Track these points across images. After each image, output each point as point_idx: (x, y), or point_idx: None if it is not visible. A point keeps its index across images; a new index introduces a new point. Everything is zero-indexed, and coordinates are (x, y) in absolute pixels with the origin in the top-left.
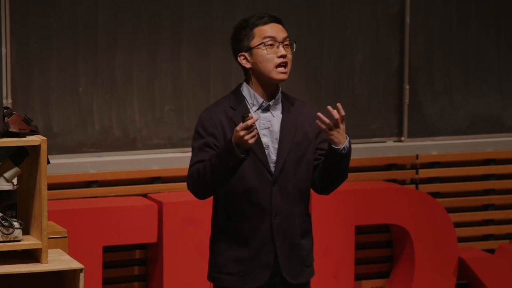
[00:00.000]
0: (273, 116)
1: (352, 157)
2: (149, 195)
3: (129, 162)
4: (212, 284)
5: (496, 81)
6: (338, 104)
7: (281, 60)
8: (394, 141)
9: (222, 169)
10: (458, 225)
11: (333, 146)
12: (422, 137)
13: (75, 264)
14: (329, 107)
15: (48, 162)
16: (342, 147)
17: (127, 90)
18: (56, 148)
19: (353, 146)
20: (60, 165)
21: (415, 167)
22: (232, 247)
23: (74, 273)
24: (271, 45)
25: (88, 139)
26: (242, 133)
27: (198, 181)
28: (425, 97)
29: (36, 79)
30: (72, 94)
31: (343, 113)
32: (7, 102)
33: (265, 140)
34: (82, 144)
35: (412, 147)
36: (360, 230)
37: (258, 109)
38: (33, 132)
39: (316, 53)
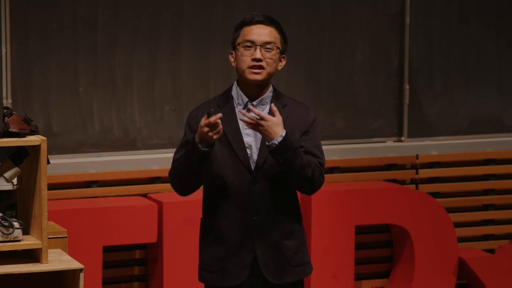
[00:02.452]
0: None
1: (352, 157)
2: (149, 195)
3: (129, 162)
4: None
5: (496, 81)
6: (249, 107)
7: (253, 63)
8: (394, 141)
9: (188, 163)
10: (458, 225)
11: (266, 142)
12: (422, 137)
13: (75, 264)
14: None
15: (48, 162)
16: (270, 142)
17: (127, 90)
18: (56, 148)
19: (353, 146)
20: (60, 165)
21: (415, 167)
22: (213, 245)
23: (74, 273)
24: (248, 47)
25: (88, 139)
26: (205, 129)
27: (174, 177)
28: (425, 97)
29: (36, 79)
30: (72, 94)
31: (252, 115)
32: (7, 102)
33: (248, 139)
34: (82, 144)
35: (412, 147)
36: (360, 230)
37: (243, 109)
38: (33, 132)
39: (316, 53)
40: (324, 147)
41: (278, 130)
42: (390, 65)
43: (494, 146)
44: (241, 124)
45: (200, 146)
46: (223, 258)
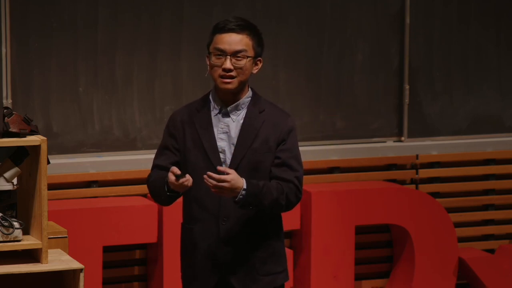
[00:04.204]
0: (233, 121)
1: (352, 157)
2: (149, 195)
3: (129, 162)
4: None
5: (496, 81)
6: (208, 174)
7: (224, 73)
8: (394, 141)
9: (160, 195)
10: (458, 225)
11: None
12: (422, 137)
13: (75, 264)
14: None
15: (48, 162)
16: (236, 199)
17: (127, 90)
18: (56, 148)
19: (353, 146)
20: (60, 165)
21: (415, 167)
22: (186, 251)
23: (74, 273)
24: (219, 55)
25: (88, 139)
26: (172, 186)
27: (151, 193)
28: (425, 97)
29: (36, 79)
30: (72, 94)
31: (216, 177)
32: (7, 102)
33: (222, 144)
34: (82, 144)
35: (412, 147)
36: (360, 230)
37: (218, 113)
38: (33, 132)
39: (316, 53)
40: (324, 147)
41: (238, 184)
42: (390, 65)
43: (494, 146)
44: (215, 128)
45: (166, 190)
46: (194, 264)
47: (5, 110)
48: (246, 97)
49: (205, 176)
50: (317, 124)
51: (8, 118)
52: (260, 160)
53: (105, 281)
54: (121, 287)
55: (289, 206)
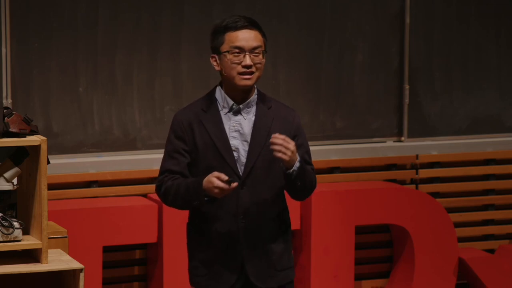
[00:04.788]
0: (245, 119)
1: (352, 157)
2: (149, 195)
3: (129, 162)
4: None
5: (496, 81)
6: (274, 135)
7: (244, 69)
8: (394, 141)
9: (187, 201)
10: (458, 225)
11: (285, 171)
12: (422, 137)
13: (75, 264)
14: (273, 138)
15: (48, 162)
16: (291, 170)
17: (127, 90)
18: (56, 148)
19: (353, 146)
20: (60, 165)
21: (415, 167)
22: (201, 249)
23: (74, 273)
24: (237, 53)
25: (88, 139)
26: (216, 190)
27: (166, 197)
28: (425, 97)
29: (36, 79)
30: (72, 94)
31: (281, 137)
32: (7, 102)
33: (234, 142)
34: (82, 144)
35: (412, 147)
36: (360, 230)
37: (228, 112)
38: (33, 132)
39: (316, 53)
40: (324, 147)
41: (296, 155)
42: (390, 65)
43: (494, 146)
44: (227, 127)
45: (204, 197)
46: (211, 262)
47: (5, 110)
48: (255, 94)
49: (274, 135)
50: (317, 124)
51: (8, 118)
52: (275, 157)
53: (105, 281)
54: (121, 287)
55: (311, 192)
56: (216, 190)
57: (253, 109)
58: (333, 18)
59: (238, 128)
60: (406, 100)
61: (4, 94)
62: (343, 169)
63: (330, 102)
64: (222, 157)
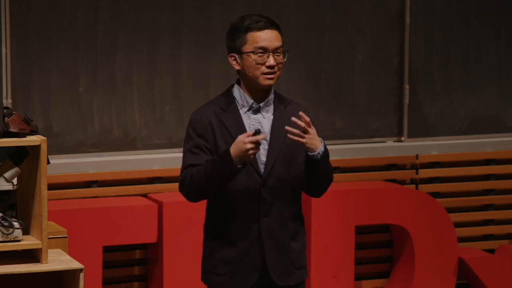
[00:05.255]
0: (264, 118)
1: (352, 157)
2: (149, 195)
3: (129, 162)
4: (206, 285)
5: (496, 81)
6: (301, 113)
7: (268, 70)
8: (394, 141)
9: (216, 176)
10: (458, 225)
11: (308, 153)
12: (422, 137)
13: (75, 264)
14: (294, 119)
15: (48, 162)
16: (316, 153)
17: (127, 90)
18: (56, 148)
19: (353, 146)
20: (60, 165)
21: (415, 167)
22: (221, 248)
23: (74, 273)
24: (261, 53)
25: (88, 139)
26: (249, 145)
27: (191, 186)
28: (425, 97)
29: (36, 79)
30: (72, 94)
31: (307, 119)
32: (7, 102)
33: None
34: (82, 144)
35: (412, 147)
36: (360, 230)
37: (248, 111)
38: (33, 132)
39: (316, 53)
40: None
41: (318, 139)
42: (390, 65)
43: (494, 146)
44: (247, 125)
45: (236, 164)
46: (232, 261)
47: (5, 110)
48: (272, 93)
49: (301, 113)
50: (317, 124)
51: (8, 118)
52: (294, 155)
53: (105, 281)
54: (121, 287)
55: (329, 184)
56: (249, 146)
57: (271, 108)
58: (333, 18)
59: (258, 126)
60: (406, 100)
61: (4, 94)
62: (343, 169)
63: (330, 102)
64: None
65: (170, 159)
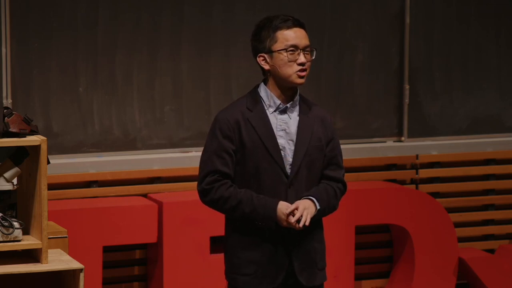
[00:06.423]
0: (290, 118)
1: (352, 157)
2: (149, 195)
3: (129, 162)
4: (227, 283)
5: (496, 81)
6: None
7: (300, 67)
8: (394, 141)
9: (249, 218)
10: (458, 225)
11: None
12: (422, 137)
13: (75, 264)
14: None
15: (48, 162)
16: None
17: (127, 90)
18: (56, 148)
19: (353, 146)
20: (60, 165)
21: (415, 167)
22: (247, 248)
23: (74, 273)
24: (292, 51)
25: (88, 139)
26: (285, 223)
27: (217, 204)
28: (425, 97)
29: (36, 79)
30: (72, 94)
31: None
32: (7, 102)
33: (281, 141)
34: (82, 144)
35: (412, 147)
36: (360, 230)
37: (275, 111)
38: (33, 132)
39: (316, 53)
40: None
41: (311, 205)
42: (390, 65)
43: (494, 146)
44: (274, 125)
45: (273, 223)
46: (258, 261)
47: (5, 110)
48: (298, 94)
49: (297, 212)
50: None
51: (8, 118)
52: (316, 158)
53: (105, 281)
54: (121, 287)
55: (337, 206)
56: (285, 223)
57: (297, 109)
58: (333, 18)
59: (285, 127)
60: (406, 100)
61: (4, 94)
62: None
63: (330, 102)
64: (271, 156)
65: (170, 159)
